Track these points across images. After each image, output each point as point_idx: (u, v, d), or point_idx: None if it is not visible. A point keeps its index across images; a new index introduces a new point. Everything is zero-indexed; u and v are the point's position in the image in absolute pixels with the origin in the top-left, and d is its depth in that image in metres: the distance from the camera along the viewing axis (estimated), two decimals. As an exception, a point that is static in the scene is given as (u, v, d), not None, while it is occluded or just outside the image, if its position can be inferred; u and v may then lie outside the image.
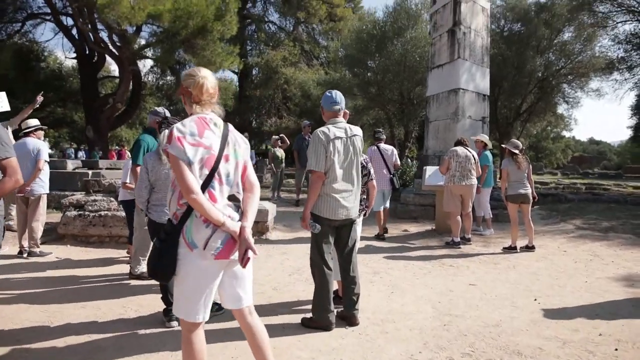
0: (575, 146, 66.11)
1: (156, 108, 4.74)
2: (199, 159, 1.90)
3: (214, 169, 1.93)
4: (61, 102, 27.43)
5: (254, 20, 30.73)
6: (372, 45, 16.14)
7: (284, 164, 11.28)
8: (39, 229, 5.39)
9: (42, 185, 5.39)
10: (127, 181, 4.76)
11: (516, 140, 6.10)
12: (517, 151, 5.98)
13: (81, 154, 24.67)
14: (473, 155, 6.39)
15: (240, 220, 1.99)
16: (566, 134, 48.99)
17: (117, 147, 31.76)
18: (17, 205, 5.55)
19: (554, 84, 23.07)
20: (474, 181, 6.33)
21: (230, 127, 2.08)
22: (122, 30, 17.76)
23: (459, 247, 6.24)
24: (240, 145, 2.06)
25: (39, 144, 5.34)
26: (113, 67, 28.84)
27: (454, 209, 6.33)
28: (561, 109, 25.73)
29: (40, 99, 5.86)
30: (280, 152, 11.06)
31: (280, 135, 11.54)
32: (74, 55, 22.56)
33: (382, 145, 7.02)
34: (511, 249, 5.97)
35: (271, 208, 6.95)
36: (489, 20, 9.95)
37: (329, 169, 3.14)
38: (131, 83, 21.51)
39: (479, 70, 9.31)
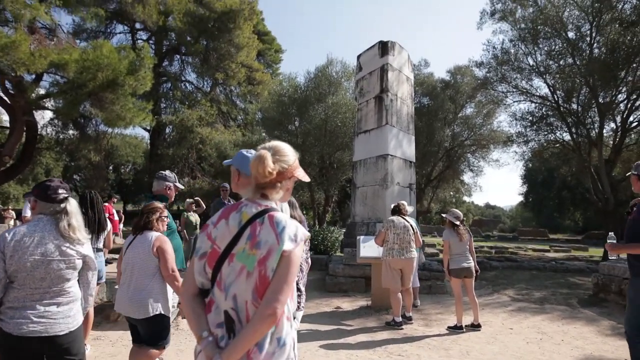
0: (474, 210, 71.55)
1: (164, 172, 4.03)
2: (202, 253, 1.56)
3: (216, 269, 1.52)
4: None
5: (169, 78, 29.89)
6: (292, 109, 16.09)
7: (198, 230, 10.16)
8: None
9: None
10: None
11: (457, 210, 5.83)
12: (458, 222, 5.68)
13: (-48, 213, 20.88)
14: (412, 225, 6.00)
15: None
16: (466, 199, 53.00)
17: (1, 207, 27.86)
18: None
19: (460, 153, 24.82)
20: (414, 254, 5.90)
21: (266, 220, 1.51)
22: (17, 77, 15.91)
23: (401, 328, 5.63)
24: (261, 247, 1.46)
25: None
26: (5, 118, 25.80)
27: (393, 285, 5.79)
28: (467, 176, 27.66)
29: None
30: (194, 217, 9.99)
31: (196, 198, 10.49)
32: (-47, 101, 19.77)
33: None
34: (457, 329, 5.50)
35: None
36: (412, 90, 10.22)
37: None
38: (24, 135, 19.22)
39: (406, 137, 9.33)
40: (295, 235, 1.49)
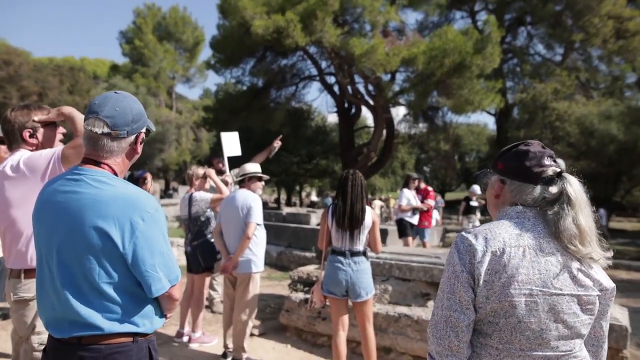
0: None
1: None
2: None
3: None
4: (325, 155, 29.83)
5: (515, 53, 27.27)
6: None
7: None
8: (245, 327, 3.58)
9: (252, 260, 3.58)
10: None
11: None
12: None
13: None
14: None
15: None
16: None
17: (370, 197, 32.46)
18: (224, 287, 3.89)
19: None
20: None
21: None
22: (376, 79, 17.53)
23: None
24: None
25: (250, 200, 3.58)
26: (369, 121, 29.67)
27: None
28: None
29: (278, 143, 4.59)
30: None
31: None
32: (335, 110, 23.84)
33: None
34: None
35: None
36: None
37: None
38: (384, 132, 21.16)
39: None
40: None
